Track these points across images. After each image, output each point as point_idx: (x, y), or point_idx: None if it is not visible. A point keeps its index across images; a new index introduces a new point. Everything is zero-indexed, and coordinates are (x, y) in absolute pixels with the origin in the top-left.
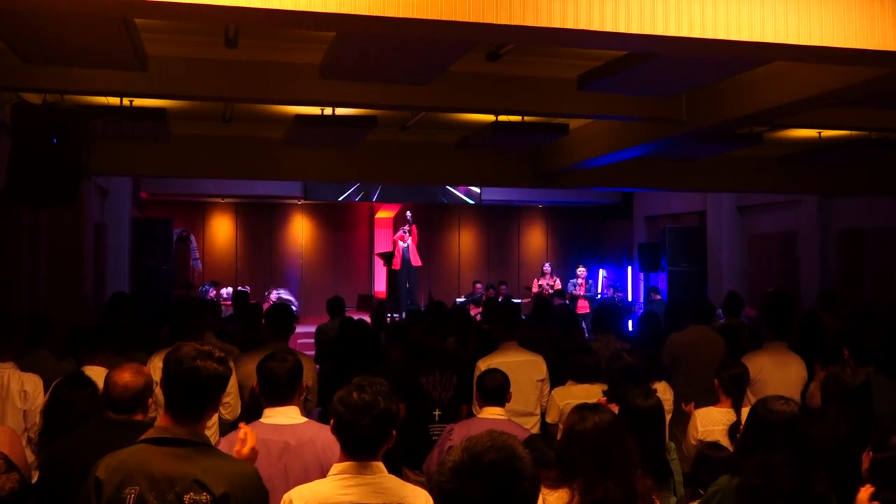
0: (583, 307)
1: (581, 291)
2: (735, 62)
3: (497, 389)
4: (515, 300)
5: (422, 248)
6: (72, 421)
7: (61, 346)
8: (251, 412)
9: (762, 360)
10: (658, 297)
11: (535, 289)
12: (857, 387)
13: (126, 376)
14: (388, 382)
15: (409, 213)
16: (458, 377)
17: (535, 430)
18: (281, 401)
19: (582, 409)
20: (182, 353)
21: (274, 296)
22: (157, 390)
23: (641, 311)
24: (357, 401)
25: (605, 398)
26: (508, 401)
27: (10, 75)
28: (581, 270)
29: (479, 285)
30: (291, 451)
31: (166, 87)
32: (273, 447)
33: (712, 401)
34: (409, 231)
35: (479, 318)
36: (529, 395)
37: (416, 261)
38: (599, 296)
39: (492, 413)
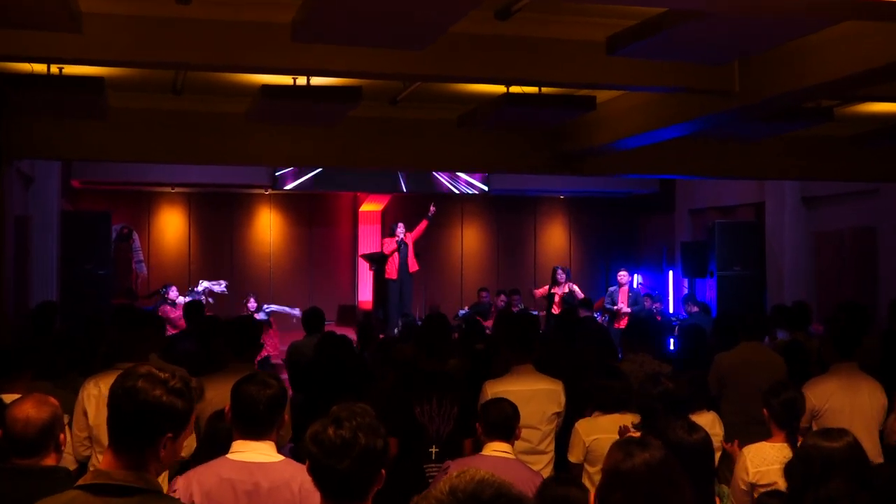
0: (622, 322)
1: (624, 304)
2: (798, 22)
3: (503, 422)
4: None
5: (418, 248)
6: None
7: None
8: (210, 447)
9: (829, 386)
10: (696, 308)
11: (542, 291)
12: None
13: (27, 409)
14: (376, 413)
15: (432, 207)
16: (460, 407)
17: (547, 472)
18: (256, 433)
19: (628, 445)
20: (134, 381)
21: (255, 306)
22: (89, 423)
23: (678, 322)
24: (333, 438)
25: (637, 432)
26: (517, 436)
27: None
28: (623, 275)
29: (485, 293)
30: (262, 495)
31: (104, 51)
32: (240, 489)
33: (767, 433)
34: (412, 227)
35: (489, 332)
36: (543, 430)
37: (413, 265)
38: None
39: (497, 449)
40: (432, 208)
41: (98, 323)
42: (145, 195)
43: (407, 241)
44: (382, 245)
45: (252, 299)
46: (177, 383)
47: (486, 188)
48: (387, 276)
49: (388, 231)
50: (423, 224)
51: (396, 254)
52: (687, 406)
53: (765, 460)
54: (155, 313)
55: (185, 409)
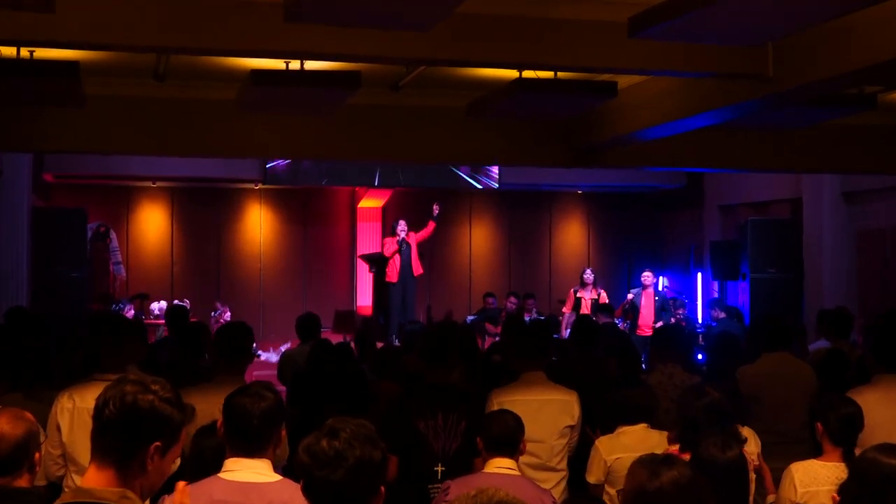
0: (645, 328)
1: (650, 305)
2: None
3: (505, 436)
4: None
5: (422, 248)
6: None
7: None
8: (196, 466)
9: (868, 399)
10: (723, 314)
11: (566, 308)
12: None
13: (2, 425)
14: (376, 428)
15: (436, 207)
16: (468, 422)
17: (559, 492)
18: (250, 450)
19: (652, 463)
20: (121, 387)
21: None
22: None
23: (703, 330)
24: (326, 449)
25: (675, 446)
26: (522, 452)
27: None
28: (647, 276)
29: (491, 300)
30: None
31: (79, 32)
32: None
33: (799, 453)
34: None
35: (498, 339)
36: (553, 444)
37: (417, 267)
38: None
39: (500, 466)
40: (436, 207)
41: (72, 331)
42: (124, 190)
43: (410, 240)
44: (383, 245)
45: (227, 310)
46: (168, 393)
47: (496, 183)
48: (387, 279)
49: (388, 230)
50: (431, 226)
51: (398, 255)
52: (732, 420)
53: (815, 479)
54: (136, 319)
55: (178, 421)
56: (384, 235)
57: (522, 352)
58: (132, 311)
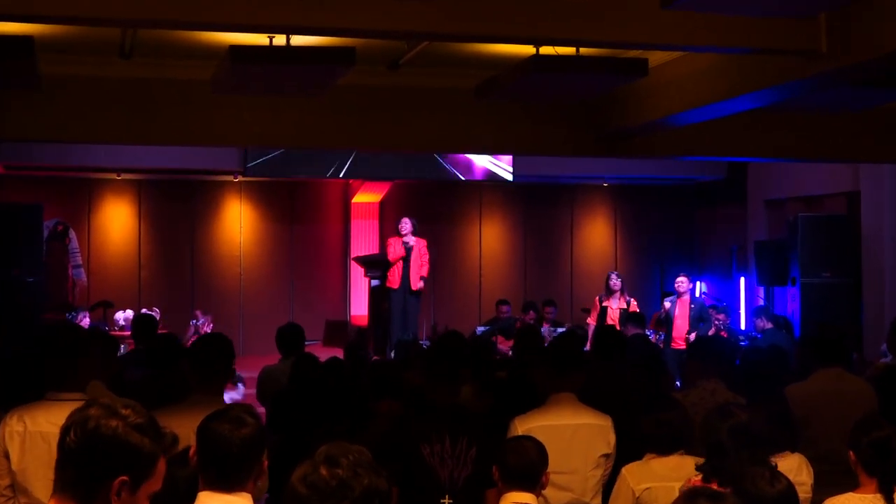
0: (679, 340)
1: (684, 315)
2: None
3: (526, 467)
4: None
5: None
6: None
7: None
8: (169, 499)
9: None
10: (769, 324)
11: (592, 318)
12: None
13: None
14: (373, 455)
15: (407, 221)
16: (479, 447)
17: None
18: (228, 484)
19: (695, 498)
20: (85, 410)
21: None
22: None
23: (747, 342)
24: (328, 479)
25: (698, 476)
26: (544, 486)
27: None
28: (682, 282)
29: (505, 307)
30: None
31: (34, 4)
32: None
33: (853, 483)
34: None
35: (511, 353)
36: (588, 475)
37: (416, 281)
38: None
39: (518, 502)
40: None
41: (25, 343)
42: (85, 183)
43: (414, 246)
44: (388, 246)
45: (209, 320)
46: (139, 419)
47: (510, 174)
48: (388, 283)
49: (387, 228)
50: (426, 258)
51: (398, 257)
52: (767, 445)
53: None
54: (100, 330)
55: (150, 452)
56: (382, 234)
57: (551, 367)
58: (86, 320)
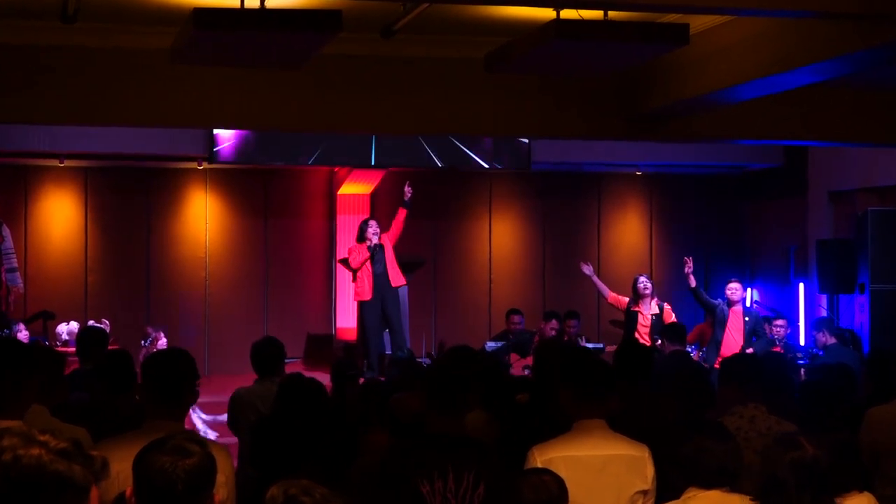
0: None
1: (738, 328)
2: None
3: None
4: (594, 345)
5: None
6: None
7: None
8: None
9: None
10: (832, 339)
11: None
12: None
13: None
14: (363, 492)
15: (408, 188)
16: (488, 483)
17: None
18: None
19: None
20: (2, 445)
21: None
22: None
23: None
24: None
25: None
26: None
27: None
28: (735, 288)
29: (517, 317)
30: None
31: None
32: None
33: None
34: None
35: (527, 372)
36: None
37: (396, 277)
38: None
39: None
40: (408, 189)
41: None
42: (21, 171)
43: (384, 242)
44: (348, 254)
45: (161, 336)
46: (62, 444)
47: (525, 163)
48: (356, 297)
49: (384, 225)
50: (401, 215)
51: (369, 264)
52: (833, 484)
53: None
54: (43, 345)
55: (80, 480)
56: (379, 231)
57: (576, 390)
58: (24, 334)
